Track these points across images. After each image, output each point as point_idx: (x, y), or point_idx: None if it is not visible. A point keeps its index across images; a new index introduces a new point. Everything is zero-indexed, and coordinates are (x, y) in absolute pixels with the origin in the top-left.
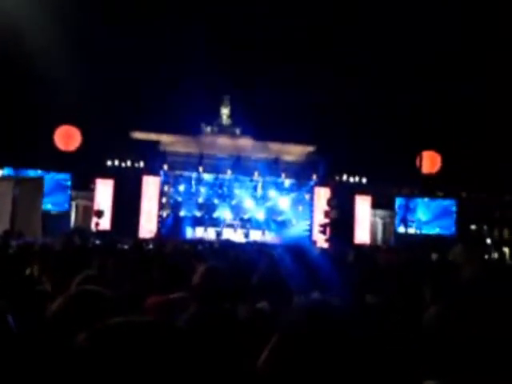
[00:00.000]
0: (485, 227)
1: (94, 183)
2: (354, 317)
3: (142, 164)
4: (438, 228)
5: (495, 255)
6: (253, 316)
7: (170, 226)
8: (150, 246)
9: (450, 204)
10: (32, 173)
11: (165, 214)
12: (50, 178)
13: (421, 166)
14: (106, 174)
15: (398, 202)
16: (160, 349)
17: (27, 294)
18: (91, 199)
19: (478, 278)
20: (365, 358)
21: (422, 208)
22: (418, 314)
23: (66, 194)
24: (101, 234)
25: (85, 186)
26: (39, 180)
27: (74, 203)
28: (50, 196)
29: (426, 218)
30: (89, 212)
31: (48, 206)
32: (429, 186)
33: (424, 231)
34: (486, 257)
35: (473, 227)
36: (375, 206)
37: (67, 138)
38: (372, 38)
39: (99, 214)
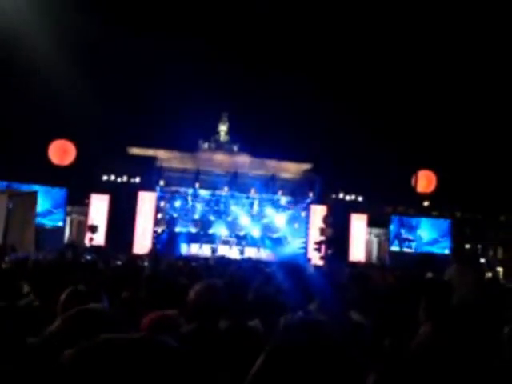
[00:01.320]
0: (479, 246)
1: (89, 198)
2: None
3: (138, 179)
4: (434, 247)
5: (489, 275)
6: (244, 333)
7: (165, 242)
8: (146, 264)
9: (444, 223)
10: (26, 187)
11: (160, 230)
12: (45, 193)
13: (416, 185)
14: (101, 189)
15: (394, 220)
16: (150, 366)
17: (8, 310)
18: (86, 214)
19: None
20: (350, 376)
21: (425, 227)
22: (411, 334)
23: (60, 209)
24: (94, 249)
25: (80, 201)
26: (33, 194)
27: (68, 218)
28: (45, 210)
29: (429, 237)
30: (83, 227)
31: (42, 220)
32: (424, 206)
33: (423, 250)
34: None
35: (467, 247)
36: (371, 224)
37: (62, 152)
38: (368, 59)
39: (93, 229)
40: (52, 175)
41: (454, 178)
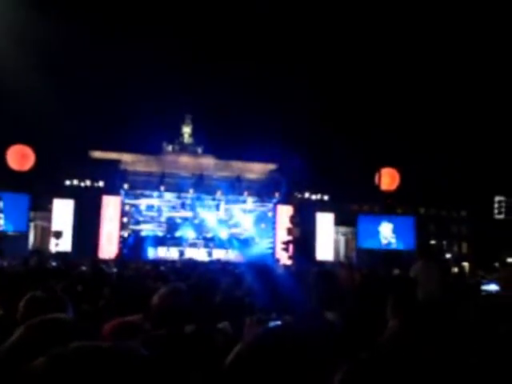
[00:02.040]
0: (444, 242)
1: (52, 203)
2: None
3: (101, 183)
4: (399, 244)
5: (455, 270)
6: (210, 336)
7: (132, 247)
8: (114, 270)
9: (409, 220)
10: None
11: (126, 234)
12: (8, 199)
13: (380, 182)
14: (64, 193)
15: (360, 219)
16: (120, 374)
17: None
18: (50, 220)
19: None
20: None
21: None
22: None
23: (23, 215)
24: (60, 255)
25: (43, 207)
26: None
27: (32, 224)
28: (9, 217)
29: (389, 234)
30: (47, 233)
31: (6, 226)
32: (388, 203)
33: (386, 247)
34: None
35: (432, 242)
36: (337, 222)
37: (20, 157)
38: (330, 54)
39: (58, 234)
40: (14, 181)
41: (416, 175)
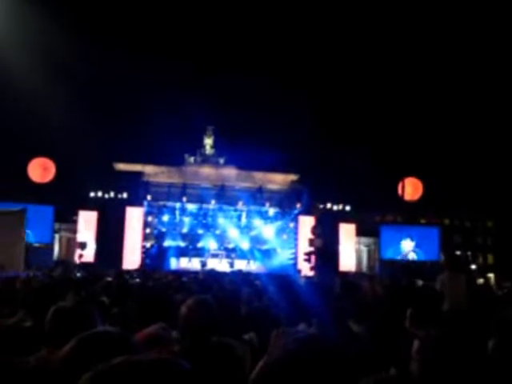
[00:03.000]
0: (469, 253)
1: (77, 215)
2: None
3: (125, 195)
4: (422, 254)
5: (480, 281)
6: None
7: (154, 257)
8: (137, 280)
9: (433, 231)
10: (13, 206)
11: (149, 245)
12: (33, 211)
13: (403, 193)
14: (89, 205)
15: (383, 229)
16: None
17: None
18: (74, 231)
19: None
20: None
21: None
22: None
23: (48, 227)
24: (84, 266)
25: (68, 218)
26: (22, 212)
27: (57, 235)
28: (33, 228)
29: (410, 248)
30: (72, 244)
31: (31, 238)
32: (412, 214)
33: (409, 257)
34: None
35: (458, 253)
36: (360, 233)
37: (42, 169)
38: (354, 70)
39: (82, 245)
40: (38, 193)
41: (440, 185)
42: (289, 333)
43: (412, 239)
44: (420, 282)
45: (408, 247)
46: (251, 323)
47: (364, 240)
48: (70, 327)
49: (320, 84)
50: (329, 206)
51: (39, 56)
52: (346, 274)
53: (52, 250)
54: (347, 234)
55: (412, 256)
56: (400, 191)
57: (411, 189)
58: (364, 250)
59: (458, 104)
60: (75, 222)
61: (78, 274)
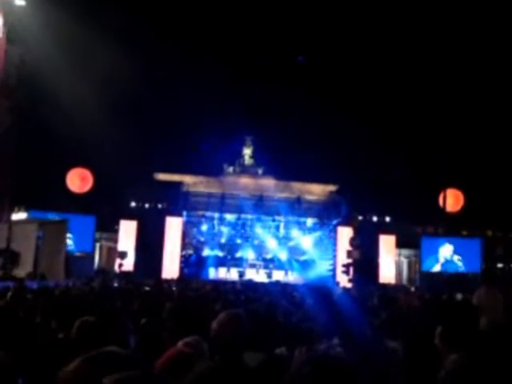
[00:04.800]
0: None
1: (118, 224)
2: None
3: (165, 205)
4: (464, 266)
5: None
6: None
7: (193, 267)
8: (174, 288)
9: (475, 242)
10: (56, 216)
11: (187, 255)
12: (75, 220)
13: (444, 204)
14: (129, 215)
15: (424, 241)
16: None
17: (33, 347)
18: (115, 240)
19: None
20: None
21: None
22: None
23: (89, 236)
24: (124, 275)
25: (109, 228)
26: (63, 222)
27: (98, 244)
28: (75, 238)
29: (449, 254)
30: (112, 253)
31: (72, 247)
32: (453, 225)
33: (448, 269)
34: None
35: (500, 266)
36: (400, 245)
37: (79, 180)
38: (392, 81)
39: (122, 255)
40: (79, 203)
41: (482, 196)
42: (312, 350)
43: (450, 243)
44: (460, 296)
45: (447, 252)
46: (285, 337)
47: (404, 252)
48: (94, 340)
49: (359, 94)
50: (368, 216)
51: (80, 66)
52: (385, 286)
53: (93, 259)
54: (387, 245)
55: (456, 263)
56: (441, 202)
57: (452, 200)
58: (404, 261)
59: (500, 113)
60: (116, 232)
61: (116, 284)
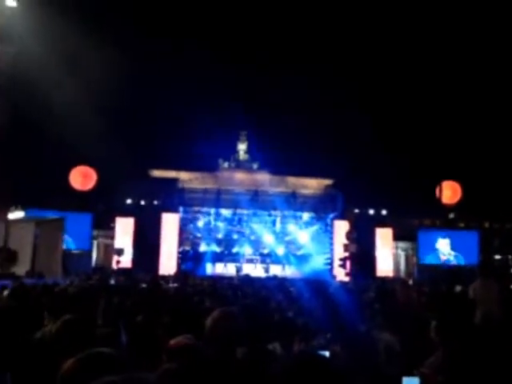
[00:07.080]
0: (509, 257)
1: (114, 222)
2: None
3: (160, 201)
4: (461, 259)
5: None
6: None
7: (190, 262)
8: (170, 284)
9: (472, 235)
10: (53, 214)
11: (185, 250)
12: (73, 218)
13: (441, 196)
14: (125, 212)
15: (421, 234)
16: None
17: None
18: (112, 237)
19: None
20: None
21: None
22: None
23: (86, 233)
24: (121, 271)
25: (106, 225)
26: (60, 221)
27: (95, 242)
28: (73, 235)
29: (447, 249)
30: (110, 250)
31: (71, 245)
32: (450, 217)
33: (447, 263)
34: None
35: (497, 257)
36: (397, 237)
37: (83, 177)
38: (387, 70)
39: (119, 252)
40: (76, 201)
41: (479, 188)
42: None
43: (446, 237)
44: (459, 288)
45: (444, 246)
46: (279, 332)
47: (401, 245)
48: (76, 338)
49: (353, 86)
50: (364, 210)
51: (73, 65)
52: (383, 279)
53: (90, 256)
54: (384, 238)
55: (451, 255)
56: (438, 194)
57: (449, 192)
58: (401, 254)
59: (496, 105)
60: (112, 229)
61: (112, 282)
